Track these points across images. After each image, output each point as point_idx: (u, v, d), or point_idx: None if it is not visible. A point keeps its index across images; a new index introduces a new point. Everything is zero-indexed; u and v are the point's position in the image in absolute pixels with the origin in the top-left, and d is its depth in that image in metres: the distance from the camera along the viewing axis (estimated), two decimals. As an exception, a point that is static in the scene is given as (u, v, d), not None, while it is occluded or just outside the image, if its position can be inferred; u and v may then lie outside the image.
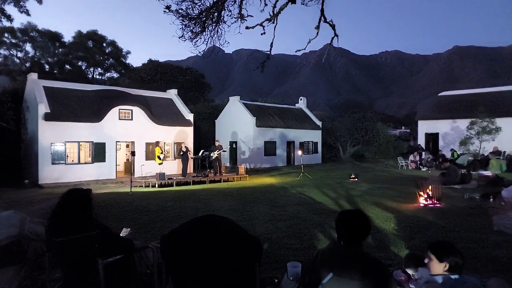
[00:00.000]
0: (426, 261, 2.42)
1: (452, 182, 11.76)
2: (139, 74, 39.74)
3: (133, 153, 13.97)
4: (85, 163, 17.61)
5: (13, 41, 31.40)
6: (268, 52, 4.41)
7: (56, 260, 2.83)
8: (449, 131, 24.54)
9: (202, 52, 4.45)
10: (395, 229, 6.05)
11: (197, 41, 4.34)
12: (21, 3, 19.56)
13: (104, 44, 37.08)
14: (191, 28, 4.26)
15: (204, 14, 4.19)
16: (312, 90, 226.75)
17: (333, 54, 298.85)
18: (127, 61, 39.53)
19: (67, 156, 17.07)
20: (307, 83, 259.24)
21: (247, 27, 4.24)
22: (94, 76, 37.43)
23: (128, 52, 39.17)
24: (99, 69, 37.98)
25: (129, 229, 3.43)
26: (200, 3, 4.15)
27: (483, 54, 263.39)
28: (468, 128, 21.32)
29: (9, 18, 22.08)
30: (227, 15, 4.32)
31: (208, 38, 4.37)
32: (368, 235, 2.16)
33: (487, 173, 13.33)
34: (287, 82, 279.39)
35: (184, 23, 4.24)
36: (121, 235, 3.37)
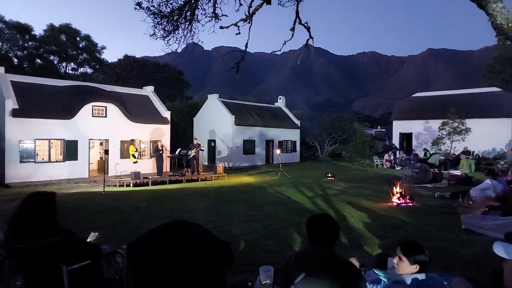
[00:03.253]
0: (395, 261, 2.43)
1: (424, 181, 12.14)
2: (115, 70, 38.69)
3: (106, 152, 13.56)
4: (56, 161, 16.94)
5: (-22, 32, 29.81)
6: (243, 53, 4.34)
7: (16, 267, 2.67)
8: (422, 131, 25.35)
9: (175, 51, 4.32)
10: (369, 228, 6.15)
11: (169, 39, 4.21)
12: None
13: (78, 39, 35.85)
14: (163, 26, 4.12)
15: (176, 12, 4.06)
16: (292, 89, 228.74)
17: (312, 54, 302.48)
18: (102, 57, 38.45)
19: (37, 154, 16.36)
20: (287, 82, 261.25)
21: (221, 27, 4.14)
22: (67, 71, 36.11)
23: (103, 47, 38.12)
24: (72, 64, 36.66)
25: (97, 233, 3.29)
26: (172, 1, 4.02)
27: (455, 57, 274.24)
28: (440, 129, 22.09)
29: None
30: (201, 13, 4.22)
31: (181, 37, 4.25)
32: (337, 237, 2.21)
33: (457, 172, 13.85)
34: (267, 80, 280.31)
35: (156, 21, 4.09)
36: (88, 239, 3.22)
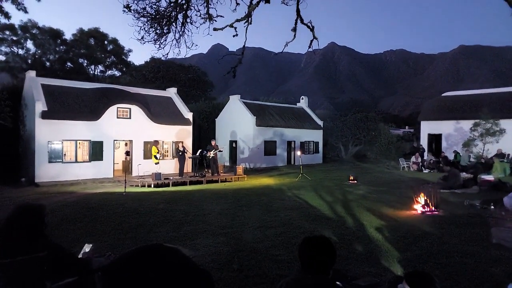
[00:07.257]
0: None
1: (453, 186, 11.43)
2: (142, 72, 39.63)
3: (127, 153, 13.77)
4: (83, 161, 17.44)
5: (14, 38, 31.32)
6: (240, 56, 4.14)
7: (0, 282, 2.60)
8: (452, 132, 24.11)
9: (166, 56, 4.18)
10: (388, 240, 5.78)
11: (161, 43, 4.05)
12: (19, 0, 19.35)
13: (106, 42, 36.95)
14: (154, 29, 3.96)
15: (167, 13, 3.89)
16: (316, 89, 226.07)
17: (338, 53, 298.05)
18: (129, 59, 39.42)
19: (64, 154, 16.92)
20: (311, 81, 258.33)
21: (215, 29, 3.95)
22: (96, 73, 37.34)
23: (130, 50, 39.05)
24: (100, 66, 37.89)
25: (91, 245, 3.19)
26: (160, 2, 3.84)
27: (489, 54, 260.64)
28: (471, 130, 20.88)
29: (6, 15, 21.90)
30: (195, 15, 4.04)
31: (172, 40, 4.08)
32: (333, 264, 1.98)
33: (489, 177, 12.95)
34: (291, 81, 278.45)
35: (146, 23, 3.94)
36: (82, 251, 3.13)
